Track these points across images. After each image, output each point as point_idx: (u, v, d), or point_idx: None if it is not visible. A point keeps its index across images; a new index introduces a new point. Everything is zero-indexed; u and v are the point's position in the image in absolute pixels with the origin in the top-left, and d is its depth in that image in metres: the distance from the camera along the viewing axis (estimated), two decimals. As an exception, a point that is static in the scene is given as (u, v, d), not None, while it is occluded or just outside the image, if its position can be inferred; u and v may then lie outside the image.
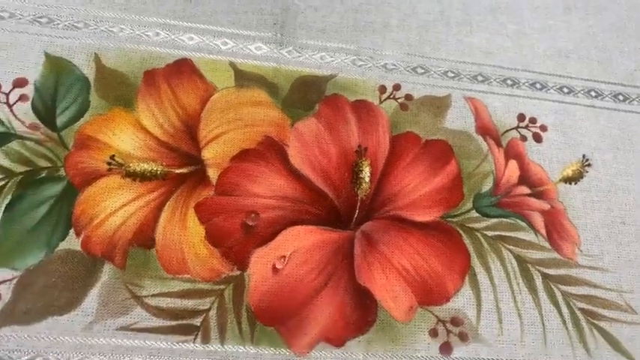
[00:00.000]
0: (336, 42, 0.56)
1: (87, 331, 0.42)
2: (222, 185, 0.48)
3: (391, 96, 0.55)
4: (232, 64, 0.53)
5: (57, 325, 0.41)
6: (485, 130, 0.55)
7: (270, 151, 0.50)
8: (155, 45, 0.52)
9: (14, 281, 0.42)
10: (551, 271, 0.50)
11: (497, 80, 0.58)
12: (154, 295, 0.43)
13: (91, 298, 0.42)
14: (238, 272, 0.45)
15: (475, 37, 0.60)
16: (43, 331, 0.41)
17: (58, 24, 0.51)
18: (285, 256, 0.46)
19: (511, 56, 0.60)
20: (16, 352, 0.40)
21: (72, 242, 0.44)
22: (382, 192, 0.50)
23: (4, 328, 0.41)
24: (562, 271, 0.50)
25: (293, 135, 0.51)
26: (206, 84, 0.51)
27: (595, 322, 0.48)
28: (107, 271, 0.43)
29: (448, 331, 0.46)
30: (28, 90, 0.48)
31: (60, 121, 0.48)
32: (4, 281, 0.42)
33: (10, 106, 0.47)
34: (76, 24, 0.52)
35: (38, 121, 0.47)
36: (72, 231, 0.44)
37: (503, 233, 0.51)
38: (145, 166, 0.47)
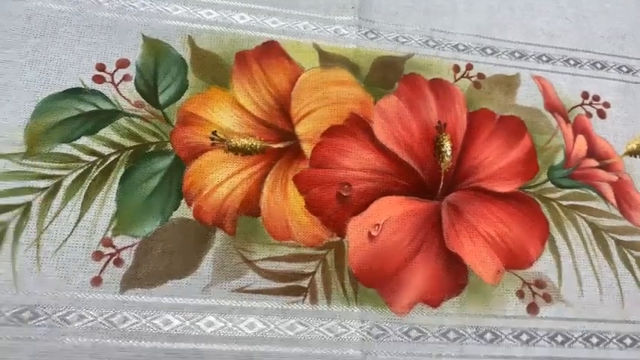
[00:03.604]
0: (409, 24, 0.59)
1: (205, 293, 0.44)
2: (316, 159, 0.50)
3: (465, 75, 0.57)
4: (316, 46, 0.56)
5: (177, 288, 0.44)
6: (554, 107, 0.58)
7: (356, 127, 0.53)
8: (242, 28, 0.55)
9: (134, 247, 0.45)
10: (624, 238, 0.53)
11: (561, 60, 0.61)
12: (263, 260, 0.46)
13: (207, 263, 0.45)
14: (338, 238, 0.48)
15: (537, 21, 0.63)
16: (165, 293, 0.44)
17: (150, 8, 0.54)
18: (378, 224, 0.49)
19: (572, 38, 0.63)
20: (142, 312, 0.43)
21: (184, 211, 0.46)
22: (463, 165, 0.53)
23: (129, 291, 0.43)
24: (634, 238, 0.53)
25: (377, 112, 0.53)
26: (293, 64, 0.54)
27: (667, 284, 0.51)
28: (219, 237, 0.46)
29: (533, 293, 0.49)
30: (131, 70, 0.51)
31: (162, 99, 0.50)
32: (125, 247, 0.44)
33: (115, 86, 0.50)
34: (166, 8, 0.54)
35: (142, 99, 0.50)
36: (183, 201, 0.47)
37: (577, 203, 0.54)
38: (245, 142, 0.49)
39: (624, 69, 0.62)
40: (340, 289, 0.46)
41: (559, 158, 0.55)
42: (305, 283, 0.46)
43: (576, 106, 0.59)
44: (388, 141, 0.52)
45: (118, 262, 0.44)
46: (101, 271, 0.44)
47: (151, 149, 0.48)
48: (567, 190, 0.54)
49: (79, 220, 0.45)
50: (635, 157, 0.57)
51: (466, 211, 0.51)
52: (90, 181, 0.46)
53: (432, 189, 0.52)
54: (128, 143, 0.48)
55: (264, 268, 0.46)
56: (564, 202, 0.53)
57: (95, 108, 0.49)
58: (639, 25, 0.65)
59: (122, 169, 0.47)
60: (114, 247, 0.44)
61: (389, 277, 0.47)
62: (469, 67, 0.58)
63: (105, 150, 0.47)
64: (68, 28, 0.51)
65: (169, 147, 0.48)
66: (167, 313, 0.43)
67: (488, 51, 0.59)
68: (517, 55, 0.60)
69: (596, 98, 0.59)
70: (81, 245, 0.44)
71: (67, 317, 0.42)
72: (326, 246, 0.47)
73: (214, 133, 0.49)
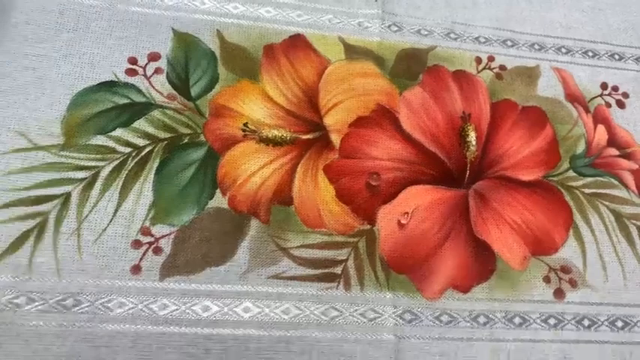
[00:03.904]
0: (430, 18, 0.60)
1: (242, 280, 0.45)
2: (344, 149, 0.51)
3: (487, 66, 0.58)
4: (341, 39, 0.57)
5: (214, 275, 0.45)
6: (574, 97, 0.59)
7: (383, 117, 0.54)
8: (269, 22, 0.56)
9: (172, 236, 0.46)
10: (646, 225, 0.54)
11: (580, 52, 0.62)
12: (297, 247, 0.47)
13: (243, 251, 0.46)
14: (368, 226, 0.49)
15: (555, 13, 0.64)
16: (203, 280, 0.45)
17: (179, 2, 0.55)
18: (408, 213, 0.50)
19: (589, 30, 0.64)
20: (182, 299, 0.44)
21: (219, 201, 0.47)
22: (488, 154, 0.54)
23: (168, 278, 0.44)
24: (655, 224, 0.54)
25: (402, 103, 0.54)
26: (320, 57, 0.55)
27: (688, 269, 0.53)
28: (254, 226, 0.47)
29: (560, 279, 0.50)
30: (162, 63, 0.52)
31: (194, 91, 0.51)
32: (163, 236, 0.45)
33: (147, 78, 0.51)
34: (194, 2, 0.55)
35: (175, 92, 0.51)
36: (218, 191, 0.48)
37: (599, 191, 0.55)
38: (276, 133, 0.50)
39: (641, 60, 0.63)
40: (372, 276, 0.47)
41: (580, 147, 0.56)
42: (338, 269, 0.47)
43: (596, 97, 0.60)
44: (414, 131, 0.53)
45: (157, 251, 0.45)
46: (140, 259, 0.45)
47: (185, 140, 0.49)
48: (589, 179, 0.55)
49: (117, 210, 0.46)
50: (654, 146, 0.58)
51: (492, 199, 0.52)
52: (126, 172, 0.47)
53: (459, 178, 0.53)
54: (162, 135, 0.49)
55: (298, 256, 0.47)
56: (587, 190, 0.54)
57: (129, 100, 0.50)
58: (655, 17, 0.66)
59: (157, 160, 0.48)
60: (152, 235, 0.45)
61: (419, 264, 0.48)
62: (491, 58, 0.59)
63: (140, 141, 0.48)
64: (100, 22, 0.52)
65: (202, 138, 0.49)
66: (206, 300, 0.44)
67: (509, 43, 0.61)
68: (536, 47, 0.61)
69: (615, 89, 0.61)
70: (120, 234, 0.45)
71: (109, 304, 0.43)
72: (357, 234, 0.49)
73: (246, 124, 0.50)
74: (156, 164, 0.48)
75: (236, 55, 0.53)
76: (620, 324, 0.50)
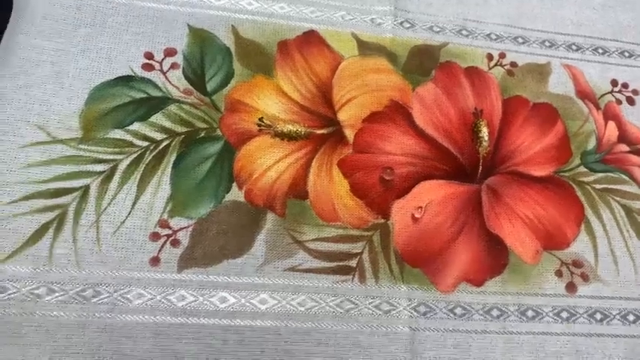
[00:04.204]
0: (443, 15, 0.60)
1: (259, 272, 0.46)
2: (358, 144, 0.52)
3: (498, 63, 0.59)
4: (354, 35, 0.57)
5: (232, 267, 0.46)
6: (584, 94, 0.59)
7: (396, 113, 0.54)
8: (283, 18, 0.56)
9: (190, 228, 0.46)
10: (656, 220, 0.54)
11: (590, 49, 0.62)
12: (312, 240, 0.48)
13: (259, 243, 0.47)
14: (382, 220, 0.49)
15: (565, 10, 0.64)
16: (220, 272, 0.45)
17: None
18: (421, 207, 0.50)
19: (599, 27, 0.64)
20: (200, 291, 0.45)
21: (236, 194, 0.48)
22: (500, 150, 0.55)
23: (186, 270, 0.45)
24: (666, 220, 0.55)
25: (415, 99, 0.55)
26: (333, 53, 0.56)
27: (699, 264, 0.53)
28: (270, 219, 0.48)
29: (571, 272, 0.51)
30: (178, 59, 0.52)
31: (210, 86, 0.52)
32: (181, 229, 0.46)
33: (164, 73, 0.51)
34: (209, -1, 0.56)
35: (191, 87, 0.51)
36: (234, 184, 0.48)
37: (609, 186, 0.55)
38: (291, 127, 0.51)
39: (651, 57, 0.63)
40: (387, 269, 0.48)
41: (591, 143, 0.57)
42: (353, 262, 0.47)
43: (606, 94, 0.60)
44: (427, 127, 0.54)
45: (175, 243, 0.45)
46: (159, 251, 0.45)
47: (202, 135, 0.50)
48: (600, 174, 0.56)
49: (135, 203, 0.46)
50: (664, 142, 0.59)
51: (505, 194, 0.53)
52: (144, 166, 0.47)
53: (472, 173, 0.53)
54: (179, 129, 0.49)
55: (313, 249, 0.47)
56: (598, 186, 0.55)
57: (146, 95, 0.50)
58: (664, 14, 0.67)
59: (175, 154, 0.48)
60: (170, 228, 0.46)
61: (433, 258, 0.49)
62: (502, 55, 0.59)
63: (157, 135, 0.49)
64: (116, 18, 0.53)
65: (219, 133, 0.50)
66: (223, 291, 0.45)
67: (520, 40, 0.61)
68: (547, 44, 0.62)
69: (625, 86, 0.61)
70: (138, 227, 0.45)
71: (128, 295, 0.44)
72: (372, 227, 0.49)
73: (261, 119, 0.51)
74: (173, 158, 0.48)
75: (251, 51, 0.54)
76: (631, 318, 0.50)
